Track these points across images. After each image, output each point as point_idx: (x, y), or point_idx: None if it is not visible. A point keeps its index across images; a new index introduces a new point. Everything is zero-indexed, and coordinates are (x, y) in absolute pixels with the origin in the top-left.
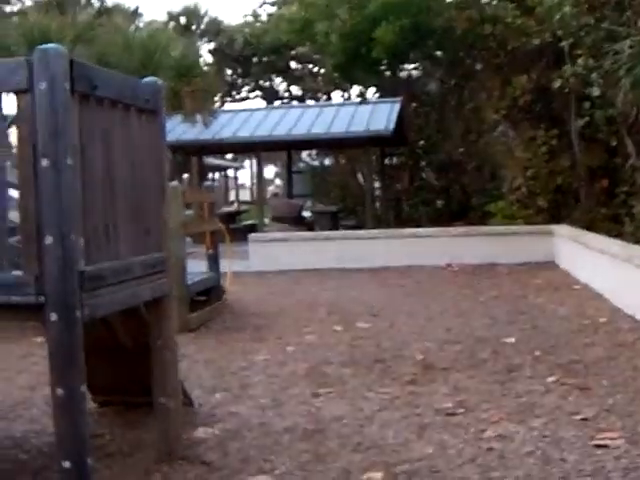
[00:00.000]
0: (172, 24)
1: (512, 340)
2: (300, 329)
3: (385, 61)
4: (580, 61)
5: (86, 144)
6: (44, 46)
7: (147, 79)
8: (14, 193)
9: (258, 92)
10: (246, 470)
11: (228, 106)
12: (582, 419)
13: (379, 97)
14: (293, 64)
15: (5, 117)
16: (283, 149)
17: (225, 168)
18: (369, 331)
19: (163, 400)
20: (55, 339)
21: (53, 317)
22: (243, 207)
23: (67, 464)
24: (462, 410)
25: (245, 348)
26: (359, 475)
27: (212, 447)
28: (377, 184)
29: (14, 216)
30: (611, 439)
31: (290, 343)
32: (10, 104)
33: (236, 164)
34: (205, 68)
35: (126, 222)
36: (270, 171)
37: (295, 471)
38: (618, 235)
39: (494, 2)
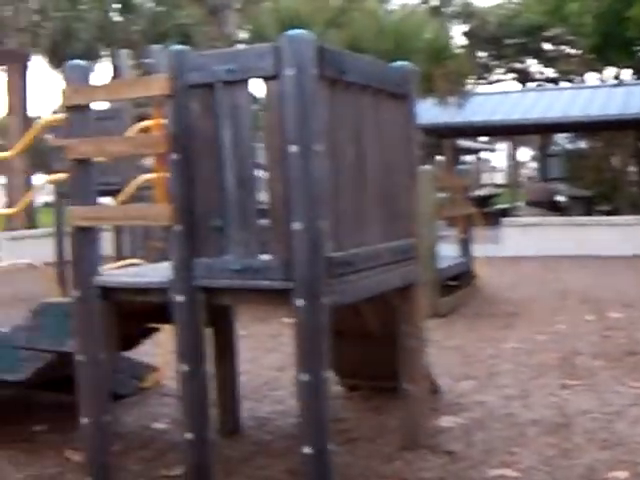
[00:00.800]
0: (423, 7)
1: None
2: (551, 317)
3: None
4: None
5: (335, 130)
6: (291, 32)
7: (397, 63)
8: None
9: (511, 74)
10: (489, 462)
11: (481, 89)
12: None
13: (636, 79)
14: (546, 46)
15: (255, 99)
16: (537, 132)
17: (478, 150)
18: (622, 321)
19: (408, 387)
20: (301, 324)
21: (300, 303)
22: (496, 190)
23: (309, 450)
24: None
25: (494, 335)
26: (604, 473)
27: (456, 437)
28: (633, 168)
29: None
30: None
31: (540, 332)
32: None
33: (489, 146)
34: (457, 51)
35: (375, 208)
36: (524, 154)
37: (539, 466)
38: None
39: None
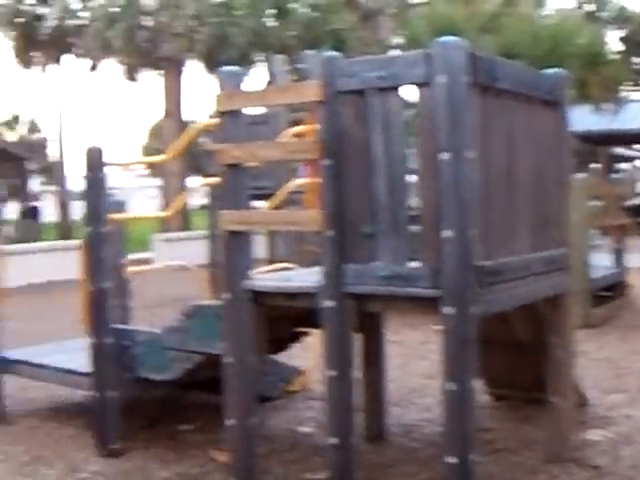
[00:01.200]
0: (578, 12)
1: None
2: None
3: None
4: None
5: (487, 137)
6: (443, 39)
7: (549, 70)
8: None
9: None
10: (636, 478)
11: (637, 95)
12: None
13: None
14: None
15: (408, 104)
16: None
17: (633, 158)
18: None
19: (555, 399)
20: (449, 333)
21: (448, 311)
22: None
23: (452, 459)
24: None
25: None
26: None
27: (603, 451)
28: None
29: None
30: None
31: None
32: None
33: None
34: (613, 56)
35: (526, 217)
36: None
37: None
38: None
39: None
